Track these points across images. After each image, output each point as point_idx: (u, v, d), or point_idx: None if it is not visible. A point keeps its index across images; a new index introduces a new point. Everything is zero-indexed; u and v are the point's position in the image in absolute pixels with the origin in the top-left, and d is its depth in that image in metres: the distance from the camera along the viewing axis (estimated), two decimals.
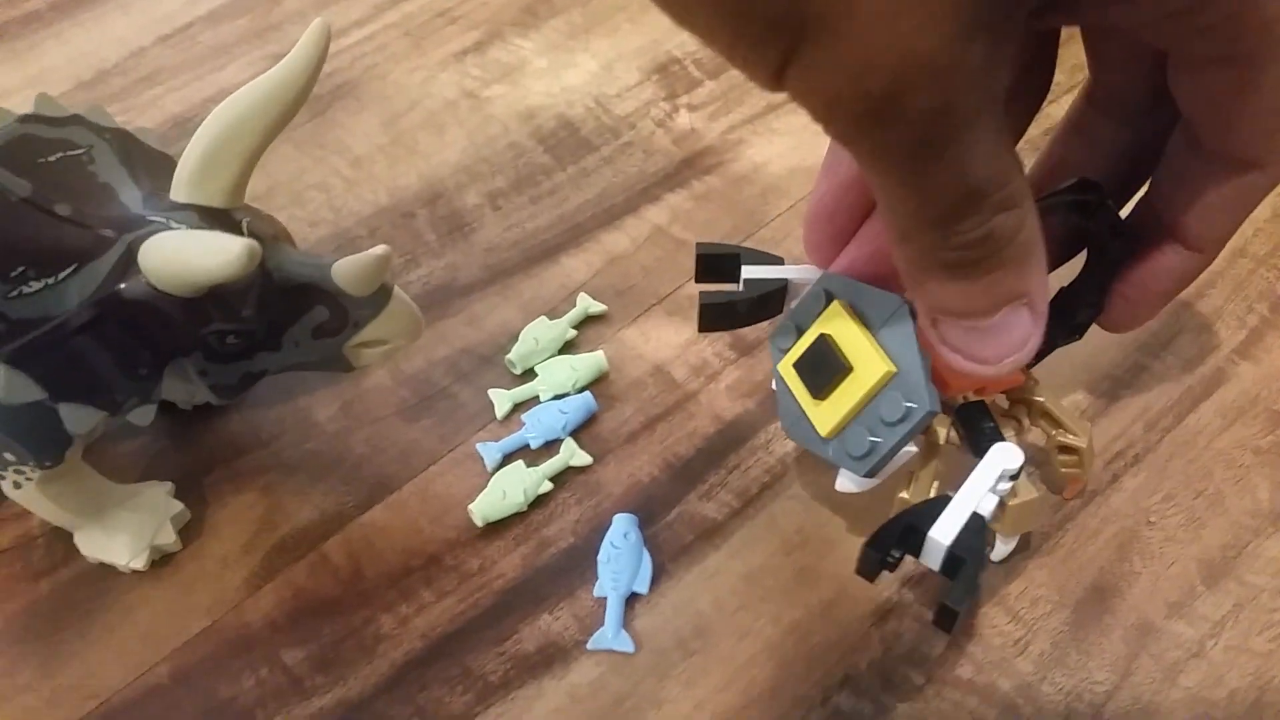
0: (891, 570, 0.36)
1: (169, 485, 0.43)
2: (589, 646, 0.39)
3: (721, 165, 0.55)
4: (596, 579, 0.40)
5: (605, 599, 0.40)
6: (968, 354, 0.29)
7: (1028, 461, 0.35)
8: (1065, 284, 0.40)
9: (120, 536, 0.41)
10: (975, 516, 0.34)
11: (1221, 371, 0.46)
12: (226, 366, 0.37)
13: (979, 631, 0.39)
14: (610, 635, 0.39)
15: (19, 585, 0.42)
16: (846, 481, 0.39)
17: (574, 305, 0.49)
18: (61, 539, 0.42)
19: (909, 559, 0.35)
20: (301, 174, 0.55)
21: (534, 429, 0.44)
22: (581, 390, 0.46)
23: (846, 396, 0.35)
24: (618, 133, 0.57)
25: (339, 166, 0.55)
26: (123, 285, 0.35)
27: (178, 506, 0.42)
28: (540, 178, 0.55)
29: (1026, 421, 0.40)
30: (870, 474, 0.36)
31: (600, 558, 0.41)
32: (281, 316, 0.36)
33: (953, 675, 0.38)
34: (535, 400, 0.46)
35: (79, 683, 0.39)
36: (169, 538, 0.41)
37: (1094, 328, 0.39)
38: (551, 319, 0.48)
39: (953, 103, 0.22)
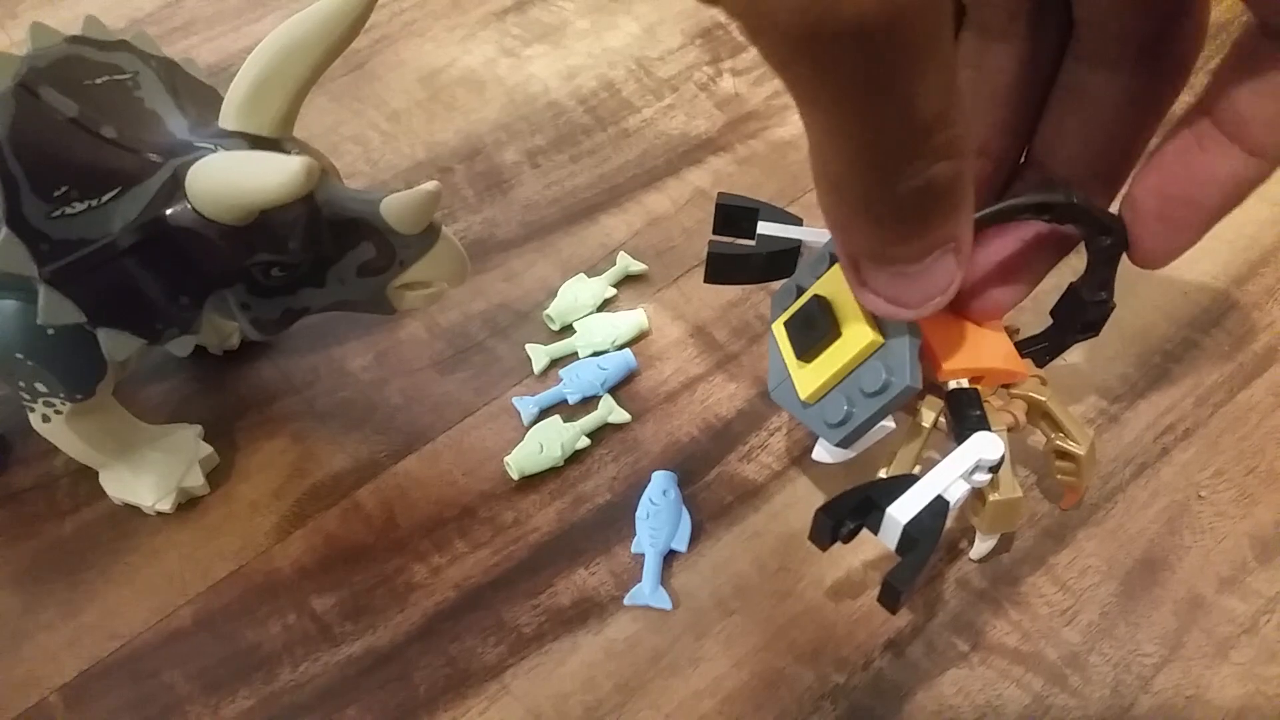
0: (845, 542, 0.33)
1: (198, 428, 0.42)
2: (626, 602, 0.38)
3: (766, 130, 0.54)
4: (634, 536, 0.40)
5: (643, 556, 0.39)
6: (890, 297, 0.28)
7: (1032, 468, 0.34)
8: (1071, 280, 0.39)
9: (147, 477, 0.40)
10: (940, 500, 0.33)
11: (1274, 349, 0.45)
12: (269, 300, 0.36)
13: (1026, 600, 0.38)
14: (648, 592, 0.38)
15: (42, 524, 0.41)
16: (822, 451, 0.38)
17: (613, 264, 0.48)
18: (85, 479, 0.41)
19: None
20: (338, 126, 0.54)
21: (572, 385, 0.44)
22: (621, 348, 0.45)
23: (830, 362, 0.34)
24: (660, 95, 0.56)
25: (376, 120, 0.55)
26: (169, 211, 0.34)
27: (207, 449, 0.41)
28: (580, 137, 0.54)
29: (1024, 419, 0.38)
30: (843, 444, 0.34)
31: (638, 514, 0.40)
32: (328, 251, 0.35)
33: (999, 643, 0.37)
34: (573, 356, 0.45)
35: (101, 623, 0.39)
36: (197, 480, 0.41)
37: (1112, 319, 0.37)
38: (590, 277, 0.47)
39: (904, 20, 0.19)
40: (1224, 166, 0.28)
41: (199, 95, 0.38)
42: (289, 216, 0.34)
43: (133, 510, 0.41)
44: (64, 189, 0.33)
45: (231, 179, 0.33)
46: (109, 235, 0.34)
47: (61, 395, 0.37)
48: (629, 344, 0.45)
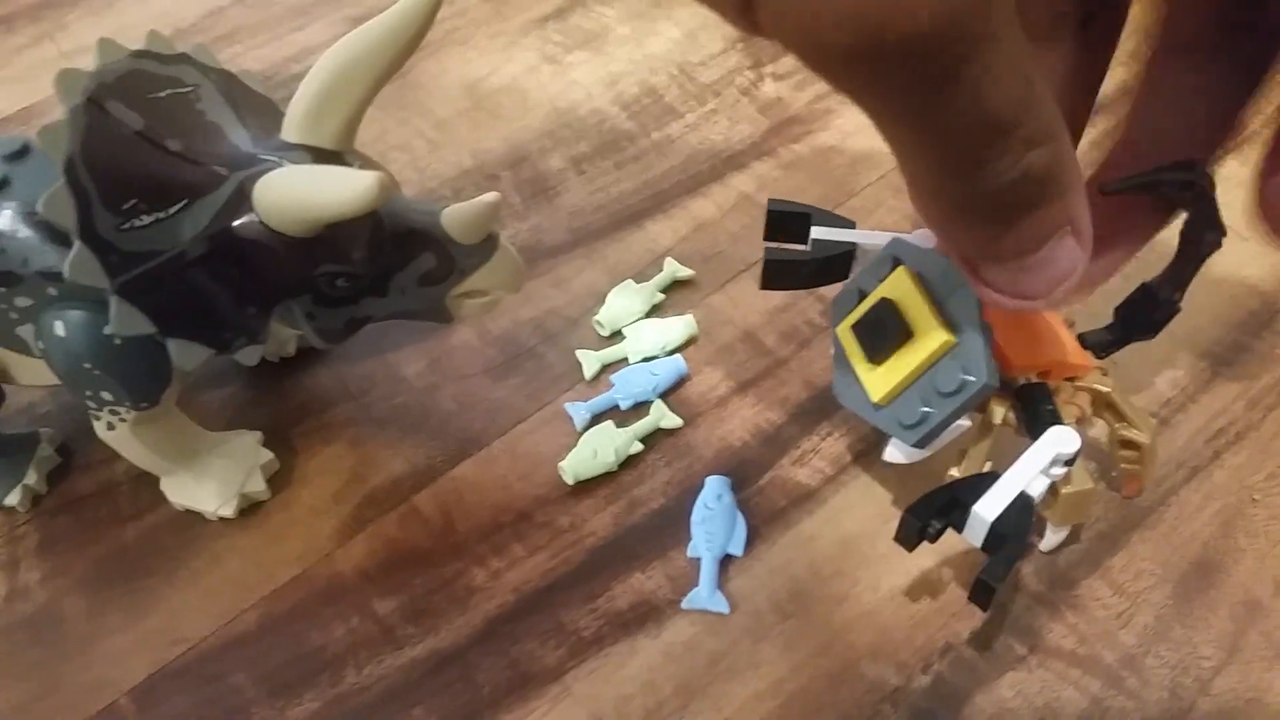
0: (931, 541, 0.34)
1: (258, 434, 0.43)
2: (683, 606, 0.39)
3: (809, 134, 0.54)
4: (689, 540, 0.40)
5: (699, 560, 0.39)
6: (1014, 292, 0.27)
7: (1093, 460, 0.34)
8: (1146, 279, 0.39)
9: (209, 483, 0.41)
10: (1023, 496, 0.33)
11: None
12: (333, 310, 0.37)
13: (1082, 603, 0.38)
14: (705, 595, 0.39)
15: (105, 530, 0.41)
16: (895, 452, 0.38)
17: (660, 270, 0.48)
18: (147, 485, 0.42)
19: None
20: (385, 134, 0.55)
21: (624, 390, 0.44)
22: (671, 354, 0.45)
23: (903, 363, 0.34)
24: (702, 100, 0.56)
25: (422, 128, 0.55)
26: (236, 222, 0.34)
27: (267, 455, 0.42)
28: (624, 143, 0.54)
29: (1089, 411, 0.38)
30: (920, 444, 0.35)
31: (694, 518, 0.40)
32: (390, 261, 0.36)
33: (1055, 646, 0.37)
34: (623, 362, 0.45)
35: (166, 627, 0.39)
36: (258, 486, 0.41)
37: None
38: (638, 283, 0.48)
39: (963, 15, 0.19)
40: None
41: (257, 107, 0.38)
42: (354, 229, 0.34)
43: (194, 516, 0.41)
44: (133, 202, 0.34)
45: (300, 193, 0.33)
46: (177, 247, 0.34)
47: (127, 404, 0.37)
48: (679, 349, 0.46)
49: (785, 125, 0.55)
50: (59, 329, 0.36)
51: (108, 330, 0.34)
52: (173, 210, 0.34)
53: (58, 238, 0.35)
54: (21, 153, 0.36)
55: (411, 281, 0.36)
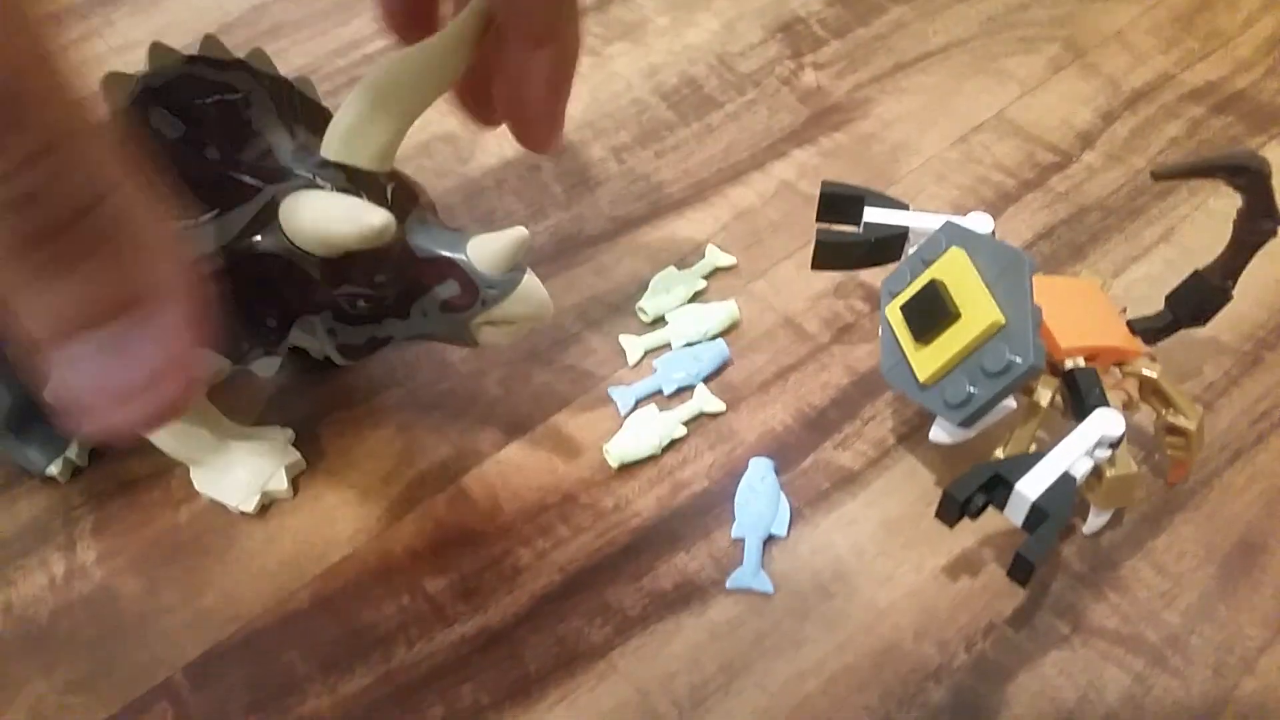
0: (973, 518, 0.35)
1: (289, 432, 0.43)
2: (728, 586, 0.39)
3: (850, 123, 0.55)
4: (733, 521, 0.40)
5: (742, 540, 0.40)
6: (84, 386, 0.20)
7: (1138, 445, 0.34)
8: (1199, 267, 0.39)
9: (234, 478, 0.42)
10: (1066, 476, 0.34)
11: None
12: (355, 328, 0.37)
13: (1126, 583, 0.39)
14: (749, 575, 0.39)
15: (159, 511, 0.42)
16: (940, 432, 0.39)
17: (702, 257, 0.49)
18: None
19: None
20: (427, 124, 0.55)
21: (666, 375, 0.44)
22: (713, 339, 0.46)
23: (951, 343, 0.35)
24: (742, 90, 0.57)
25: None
26: (258, 237, 0.34)
27: (294, 455, 0.43)
28: (664, 133, 0.55)
29: (1136, 397, 0.39)
30: (965, 424, 0.35)
31: (737, 500, 0.41)
32: (412, 287, 0.36)
33: (1099, 625, 0.38)
34: (666, 347, 0.46)
35: (220, 606, 0.40)
36: (281, 484, 0.42)
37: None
38: (680, 270, 0.48)
39: None
40: None
41: (311, 117, 0.38)
42: (378, 253, 0.34)
43: None
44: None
45: (318, 219, 0.33)
46: (202, 256, 0.34)
47: None
48: (721, 334, 0.46)
49: (825, 114, 0.55)
50: None
51: None
52: (203, 219, 0.34)
53: None
54: None
55: (434, 307, 0.36)
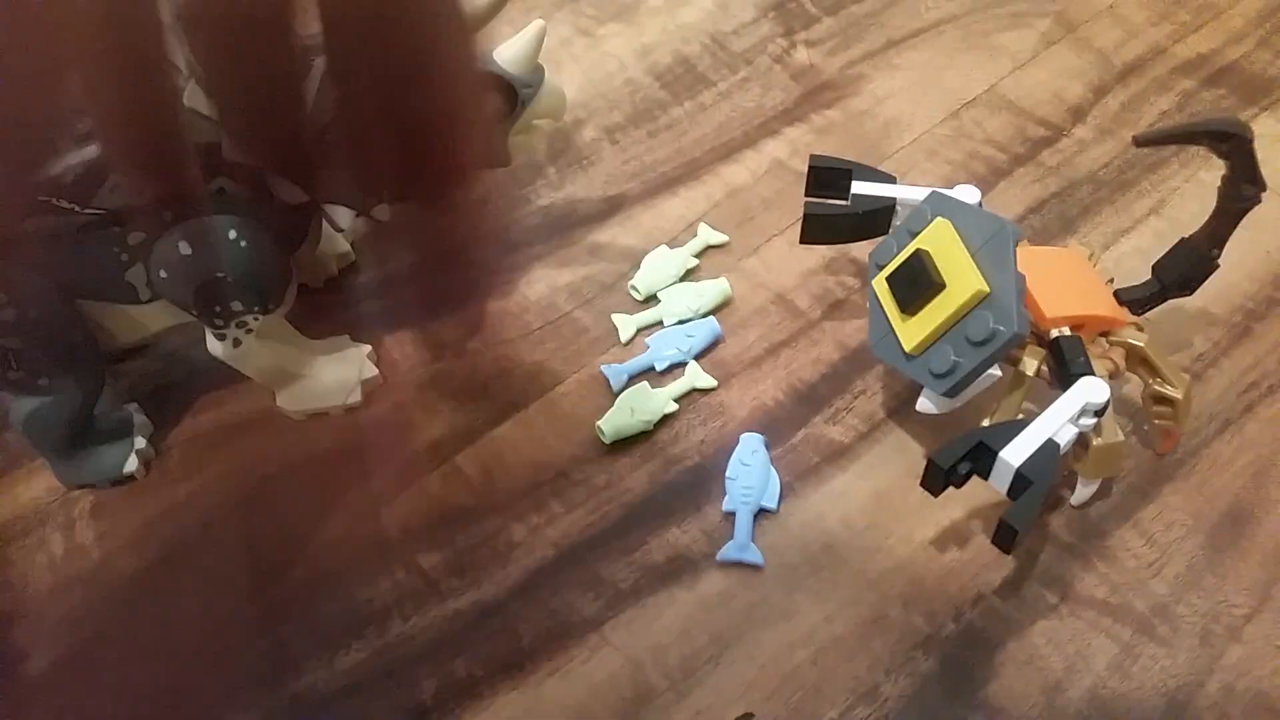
0: (957, 486, 0.35)
1: (367, 346, 0.45)
2: (718, 558, 0.39)
3: (842, 100, 0.55)
4: (724, 495, 0.41)
5: (733, 514, 0.40)
6: None
7: (1126, 417, 0.34)
8: (1185, 235, 0.40)
9: (328, 383, 0.43)
10: (1050, 443, 0.34)
11: None
12: None
13: (1114, 553, 0.39)
14: (739, 548, 0.39)
15: (155, 491, 0.43)
16: (927, 402, 0.39)
17: (694, 235, 0.49)
18: (194, 451, 0.43)
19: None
20: None
21: (659, 352, 0.45)
22: (705, 316, 0.46)
23: (935, 313, 0.35)
24: (735, 68, 0.57)
25: None
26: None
27: (372, 370, 0.44)
28: (657, 112, 0.55)
29: (1123, 366, 0.39)
30: (950, 394, 0.36)
31: (728, 474, 0.41)
32: None
33: (1087, 595, 0.38)
34: (658, 325, 0.46)
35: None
36: (372, 371, 0.44)
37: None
38: (672, 248, 0.48)
39: None
40: None
41: None
42: None
43: (243, 479, 0.43)
44: None
45: None
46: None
47: (256, 309, 0.39)
48: (713, 312, 0.46)
49: (817, 91, 0.55)
50: (184, 248, 0.37)
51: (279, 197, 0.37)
52: None
53: None
54: None
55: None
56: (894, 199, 0.40)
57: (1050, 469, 0.33)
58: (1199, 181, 0.50)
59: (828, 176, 0.41)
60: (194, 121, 0.36)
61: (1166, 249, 0.40)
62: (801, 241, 0.41)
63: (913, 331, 0.36)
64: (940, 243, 0.35)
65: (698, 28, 0.59)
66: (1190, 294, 0.40)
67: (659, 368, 0.45)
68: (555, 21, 0.60)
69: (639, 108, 0.55)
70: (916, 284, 0.35)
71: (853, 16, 0.59)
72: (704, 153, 0.53)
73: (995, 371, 0.37)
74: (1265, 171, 0.37)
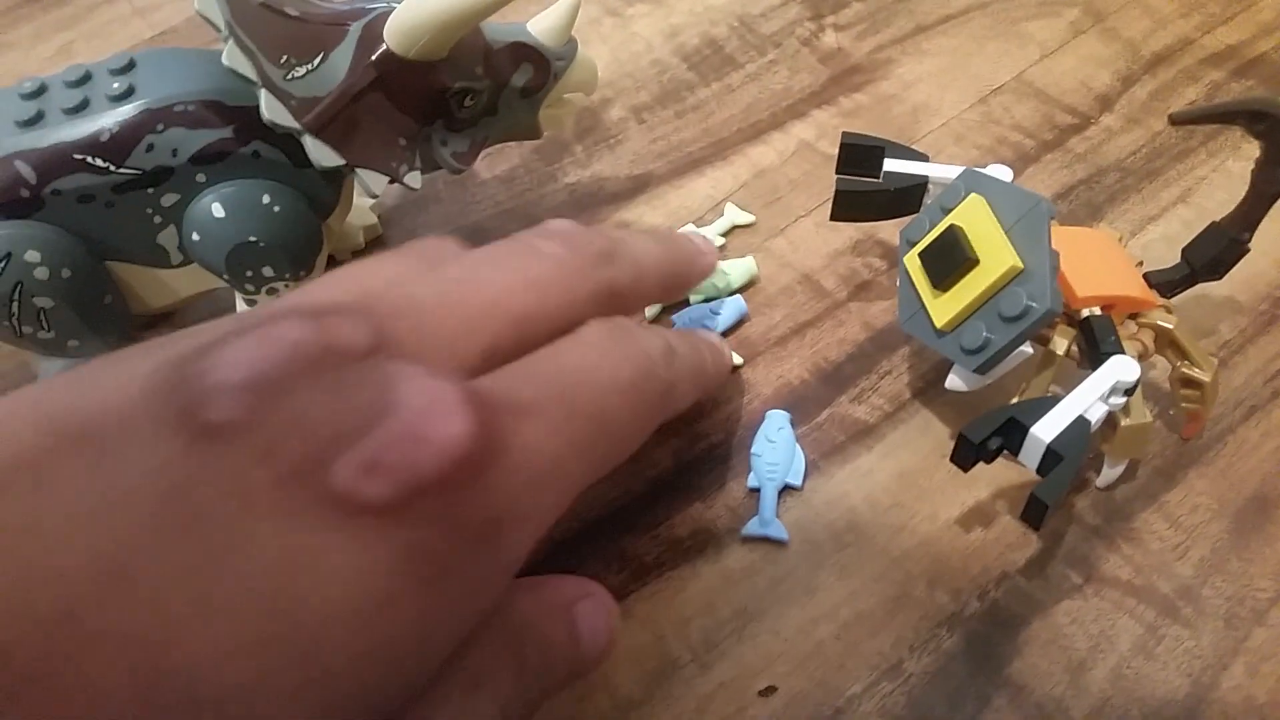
0: (988, 462, 0.35)
1: None
2: (743, 534, 0.39)
3: (870, 83, 0.55)
4: (749, 471, 0.41)
5: (758, 490, 0.40)
6: None
7: (1153, 401, 0.34)
8: (1216, 219, 0.40)
9: None
10: (1081, 420, 0.34)
11: None
12: (460, 135, 0.41)
13: (1138, 536, 0.39)
14: (764, 524, 0.39)
15: None
16: (957, 379, 0.39)
17: (721, 215, 0.49)
18: None
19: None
20: None
21: (686, 329, 0.45)
22: (732, 295, 0.46)
23: (968, 289, 0.35)
24: (763, 50, 0.57)
25: None
26: (374, 58, 0.37)
27: None
28: (685, 93, 0.55)
29: (1152, 348, 0.39)
30: (981, 370, 0.36)
31: (754, 450, 0.41)
32: (499, 76, 0.40)
33: (1112, 576, 0.38)
34: (685, 302, 0.46)
35: None
36: None
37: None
38: (699, 228, 0.49)
39: None
40: None
41: None
42: (470, 49, 0.39)
43: None
44: (284, 56, 0.37)
45: (428, 10, 0.36)
46: (334, 90, 0.37)
47: (288, 275, 0.40)
48: (740, 290, 0.46)
49: (846, 74, 0.55)
50: (217, 210, 0.38)
51: (313, 162, 0.37)
52: (316, 63, 0.37)
53: (207, 121, 0.37)
54: (129, 66, 0.38)
55: (515, 95, 0.41)
56: (927, 176, 0.40)
57: (1081, 445, 0.33)
58: (1226, 171, 0.50)
59: (860, 154, 0.41)
60: (230, 83, 0.37)
61: (1192, 230, 0.40)
62: (832, 218, 0.41)
63: (945, 307, 0.36)
64: (974, 218, 0.35)
65: (726, 10, 0.59)
66: (1219, 278, 0.40)
67: None
68: (585, 2, 0.60)
69: (666, 88, 0.55)
70: (950, 259, 0.35)
71: (882, 1, 0.59)
72: (731, 134, 0.53)
73: (1027, 349, 0.37)
74: None
